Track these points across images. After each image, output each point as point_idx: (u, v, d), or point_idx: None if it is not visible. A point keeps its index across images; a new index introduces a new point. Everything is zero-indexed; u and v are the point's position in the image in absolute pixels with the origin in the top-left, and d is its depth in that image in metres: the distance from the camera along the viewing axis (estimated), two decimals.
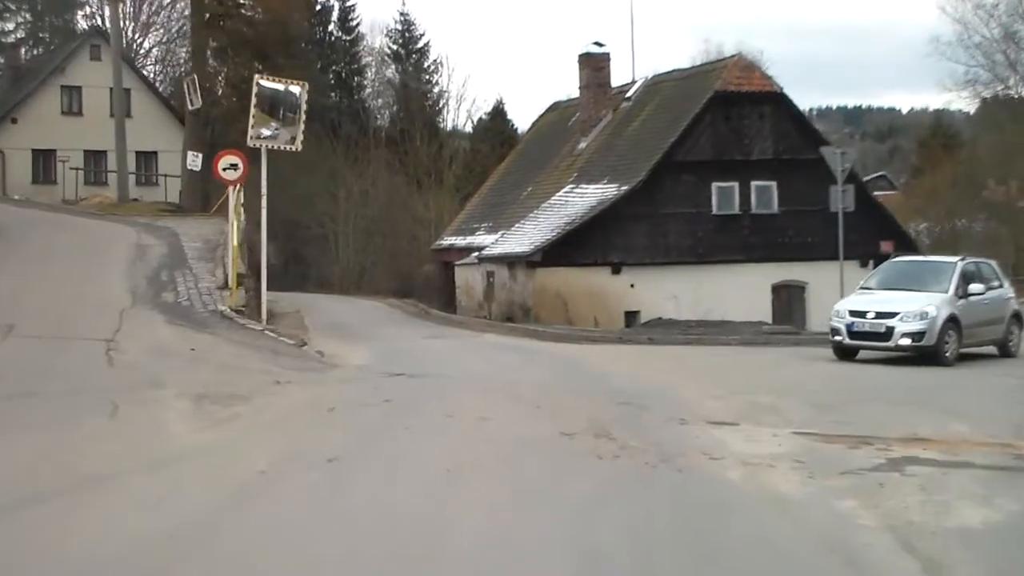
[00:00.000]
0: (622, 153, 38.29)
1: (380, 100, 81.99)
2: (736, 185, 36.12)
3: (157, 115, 58.14)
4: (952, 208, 56.52)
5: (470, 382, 18.01)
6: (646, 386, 18.04)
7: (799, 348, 27.51)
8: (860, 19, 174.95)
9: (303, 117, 23.42)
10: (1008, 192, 59.92)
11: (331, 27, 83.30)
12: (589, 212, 35.77)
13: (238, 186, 26.10)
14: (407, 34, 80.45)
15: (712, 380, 19.10)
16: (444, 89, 74.29)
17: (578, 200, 37.65)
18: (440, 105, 76.05)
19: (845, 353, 23.19)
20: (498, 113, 69.20)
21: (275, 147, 23.73)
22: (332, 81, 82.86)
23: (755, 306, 35.65)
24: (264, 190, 23.66)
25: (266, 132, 22.53)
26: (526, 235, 37.20)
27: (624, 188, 35.74)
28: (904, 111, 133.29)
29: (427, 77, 78.58)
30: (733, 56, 36.60)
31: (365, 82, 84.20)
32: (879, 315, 22.40)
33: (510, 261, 36.67)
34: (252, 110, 22.49)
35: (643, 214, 35.54)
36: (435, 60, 77.90)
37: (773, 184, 36.31)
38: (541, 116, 49.21)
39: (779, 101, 36.37)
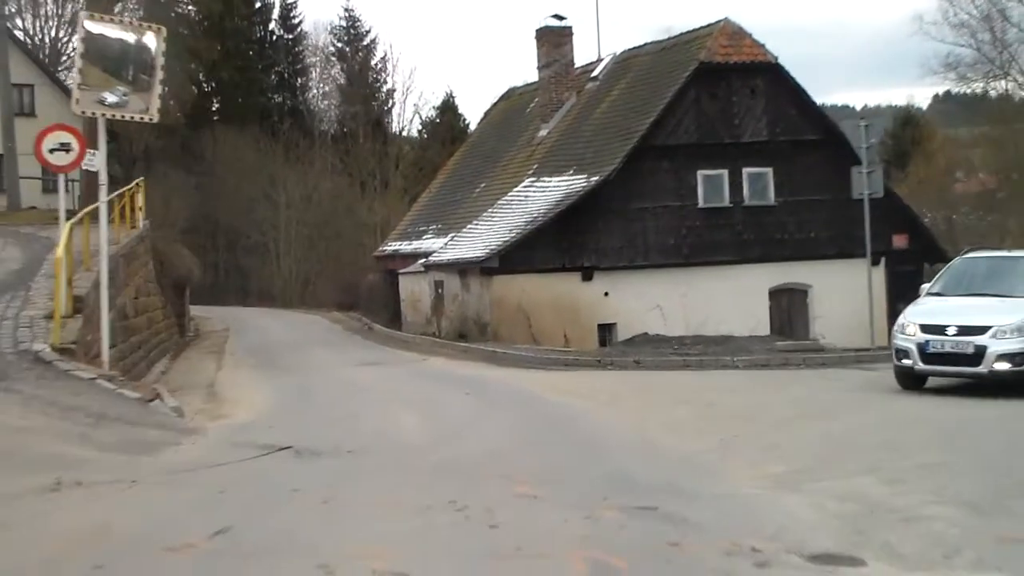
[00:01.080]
0: (590, 139, 31.63)
1: (326, 102, 74.88)
2: (725, 173, 29.54)
3: (68, 114, 50.18)
4: (939, 200, 50.55)
5: (387, 468, 10.98)
6: (661, 458, 11.30)
7: (827, 370, 20.99)
8: (809, 19, 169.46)
9: (160, 76, 16.39)
10: (983, 183, 54.93)
11: (272, 25, 76.19)
12: (553, 208, 29.09)
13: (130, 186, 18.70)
14: (352, 31, 73.43)
15: (755, 438, 12.38)
16: (392, 87, 67.28)
17: (539, 195, 30.98)
18: (389, 105, 69.06)
19: (914, 381, 16.57)
20: (448, 107, 62.27)
21: (121, 118, 16.61)
22: (275, 82, 75.83)
23: (751, 314, 29.09)
24: (104, 179, 16.47)
25: (110, 98, 15.41)
26: (479, 237, 30.49)
27: (594, 179, 29.08)
28: (858, 108, 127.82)
29: (374, 76, 71.65)
30: (719, 21, 29.90)
31: (310, 83, 77.18)
32: (963, 330, 15.74)
33: (461, 268, 29.94)
34: (79, 63, 15.33)
35: (617, 209, 28.93)
36: (383, 58, 70.98)
37: (769, 171, 29.76)
38: (494, 104, 42.45)
39: (774, 73, 29.79)
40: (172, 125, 74.71)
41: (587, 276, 28.76)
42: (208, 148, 64.99)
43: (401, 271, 35.18)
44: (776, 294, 29.91)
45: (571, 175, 30.63)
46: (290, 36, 76.33)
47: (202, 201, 65.59)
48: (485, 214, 32.23)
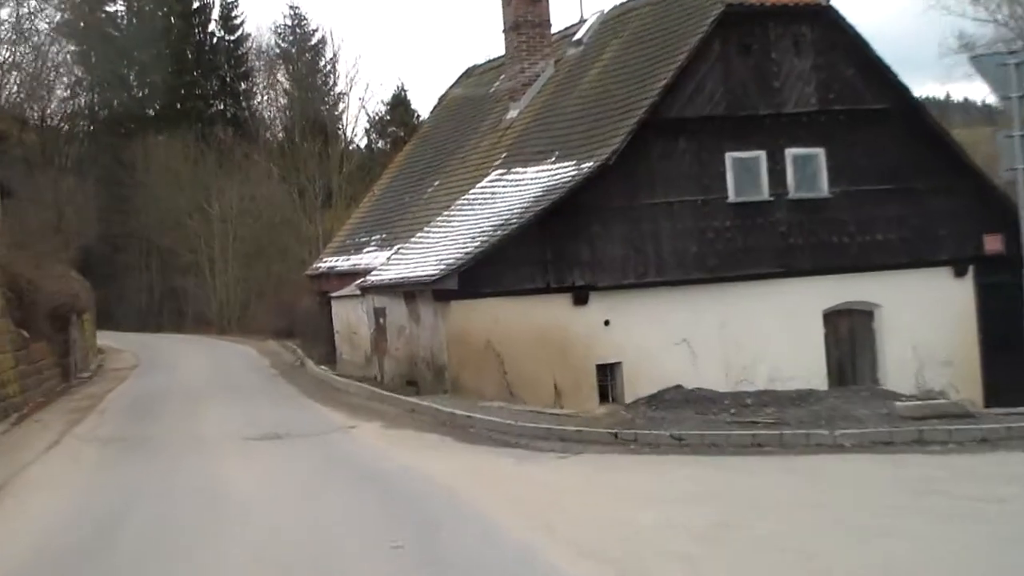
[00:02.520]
0: (576, 117, 22.63)
1: (272, 110, 65.54)
2: (762, 156, 20.65)
3: None
4: None
5: None
6: None
7: (1001, 455, 12.12)
8: None
9: None
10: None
11: (212, 27, 66.97)
12: (531, 207, 20.11)
13: None
14: (299, 30, 64.34)
15: None
16: (343, 92, 57.95)
17: (512, 191, 22.00)
18: (339, 110, 59.89)
19: None
20: (399, 102, 53.03)
21: None
22: (216, 87, 66.55)
23: (801, 347, 20.33)
24: None
25: None
26: (432, 249, 21.46)
27: (586, 166, 20.13)
28: None
29: (323, 78, 62.46)
30: None
31: (255, 88, 67.90)
32: None
33: (408, 291, 20.87)
34: None
35: (619, 206, 20.02)
36: (331, 59, 61.77)
37: (820, 152, 20.90)
38: (451, 87, 33.30)
39: (826, 18, 20.93)
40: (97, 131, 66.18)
41: (580, 299, 19.84)
42: (139, 158, 55.68)
43: (333, 294, 26.11)
44: (833, 318, 21.04)
45: (553, 163, 21.67)
46: (231, 38, 67.23)
47: (130, 216, 56.25)
48: (439, 219, 23.23)
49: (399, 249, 23.61)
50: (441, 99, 33.33)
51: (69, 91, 63.07)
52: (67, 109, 62.89)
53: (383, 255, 25.60)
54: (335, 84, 60.85)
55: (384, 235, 27.27)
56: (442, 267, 19.51)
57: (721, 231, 20.48)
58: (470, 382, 19.12)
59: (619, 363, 19.91)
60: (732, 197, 20.50)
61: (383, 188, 31.27)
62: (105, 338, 43.85)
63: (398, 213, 27.78)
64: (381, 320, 22.32)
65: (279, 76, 63.94)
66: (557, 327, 19.60)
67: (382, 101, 56.28)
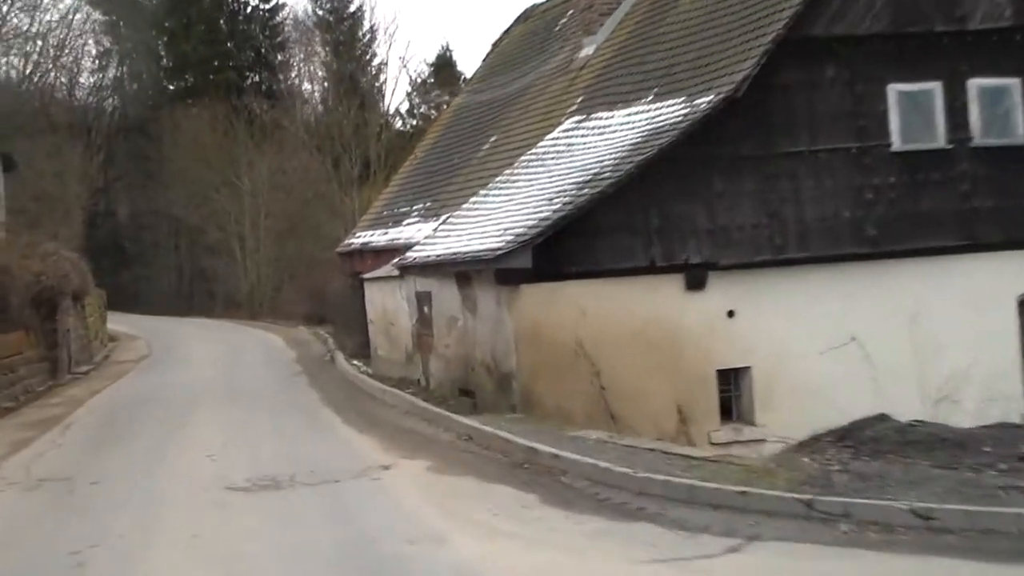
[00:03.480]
0: (679, 43, 16.68)
1: (310, 83, 59.95)
2: (938, 88, 14.80)
3: None
4: None
5: None
6: None
7: None
8: None
9: None
10: None
11: None
12: (627, 158, 14.43)
13: None
14: None
15: None
16: (384, 61, 52.02)
17: (595, 140, 16.23)
18: (381, 80, 53.98)
19: None
20: (444, 63, 47.09)
21: None
22: (250, 58, 61.04)
23: (985, 344, 14.49)
24: None
25: None
26: (491, 217, 15.78)
27: (702, 101, 14.40)
28: None
29: (362, 48, 56.76)
30: None
31: (291, 60, 62.33)
32: None
33: (462, 271, 15.20)
34: None
35: (748, 156, 14.27)
36: (371, 27, 56.03)
37: (1015, 84, 15.09)
38: (506, 32, 27.43)
39: None
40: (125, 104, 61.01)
41: (695, 281, 14.09)
42: (167, 131, 50.37)
43: (367, 276, 20.47)
44: None
45: (651, 102, 15.87)
46: (266, 6, 61.62)
47: (157, 193, 50.92)
48: (499, 179, 17.56)
49: (448, 218, 17.97)
50: (495, 46, 27.45)
51: (96, 62, 57.95)
52: (94, 81, 57.75)
53: (429, 226, 20.01)
54: (374, 55, 55.31)
55: (429, 203, 21.64)
56: (508, 239, 13.84)
57: (883, 190, 14.60)
58: (548, 397, 13.48)
59: (746, 368, 14.19)
60: (897, 144, 14.63)
61: (427, 150, 25.58)
62: (126, 324, 38.60)
63: (445, 177, 22.13)
64: (425, 309, 16.70)
65: (316, 47, 58.37)
66: (664, 320, 13.89)
67: (425, 61, 50.01)
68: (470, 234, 15.59)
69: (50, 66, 57.55)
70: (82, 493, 10.62)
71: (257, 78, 60.77)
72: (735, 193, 14.22)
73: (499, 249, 13.57)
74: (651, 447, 10.66)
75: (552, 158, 16.64)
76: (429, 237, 17.68)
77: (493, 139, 21.32)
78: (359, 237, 24.34)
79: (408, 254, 17.32)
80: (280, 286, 43.61)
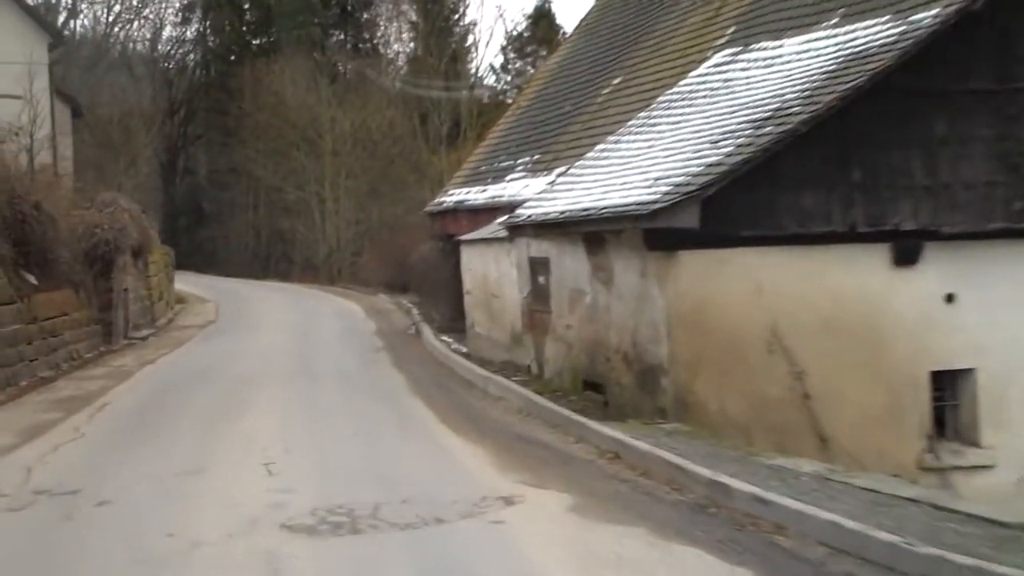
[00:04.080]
0: None
1: (397, 44, 56.60)
2: None
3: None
4: None
5: None
6: None
7: None
8: None
9: None
10: None
11: None
12: (818, 91, 10.82)
13: None
14: None
15: None
16: (474, 21, 48.30)
17: (762, 75, 12.54)
18: (472, 41, 50.46)
19: None
20: (542, 15, 43.28)
21: None
22: (335, 15, 57.87)
23: None
24: None
25: None
26: (631, 166, 12.29)
27: (924, 18, 10.72)
28: None
29: (452, 4, 53.24)
30: None
31: (378, 19, 59.02)
32: None
33: (592, 231, 11.72)
34: None
35: (980, 92, 10.61)
36: None
37: None
38: None
39: None
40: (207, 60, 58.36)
41: (906, 254, 10.46)
42: (247, 86, 47.48)
43: (464, 238, 17.02)
44: None
45: (836, 26, 12.19)
46: None
47: (236, 150, 48.10)
48: (633, 124, 14.02)
49: (568, 170, 14.49)
50: None
51: (180, 15, 55.42)
52: (177, 35, 55.19)
53: (538, 182, 16.63)
54: (464, 12, 51.78)
55: (537, 156, 18.20)
56: (663, 190, 10.31)
57: None
58: (712, 400, 9.98)
59: (969, 371, 10.55)
60: None
61: (530, 99, 22.07)
62: (198, 285, 35.86)
63: (557, 126, 18.65)
64: (541, 279, 13.27)
65: (403, 3, 54.99)
66: (864, 304, 10.30)
67: (523, 13, 46.13)
68: (604, 186, 12.09)
69: (132, 17, 55.40)
70: (82, 521, 7.40)
71: (342, 36, 57.74)
72: (963, 139, 10.55)
73: (653, 203, 10.06)
74: (902, 493, 7.11)
75: (704, 96, 13.05)
76: (544, 192, 14.24)
77: (616, 81, 17.76)
78: (452, 195, 20.98)
79: (520, 211, 13.88)
80: (360, 250, 40.54)
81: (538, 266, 13.24)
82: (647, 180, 11.10)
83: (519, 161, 18.88)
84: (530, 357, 13.67)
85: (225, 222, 50.11)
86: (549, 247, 12.86)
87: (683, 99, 13.58)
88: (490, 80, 36.87)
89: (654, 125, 13.36)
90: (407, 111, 37.55)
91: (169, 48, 56.63)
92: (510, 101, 37.06)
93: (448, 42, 46.89)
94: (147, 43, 57.12)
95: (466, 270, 16.60)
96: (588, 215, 11.46)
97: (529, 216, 13.24)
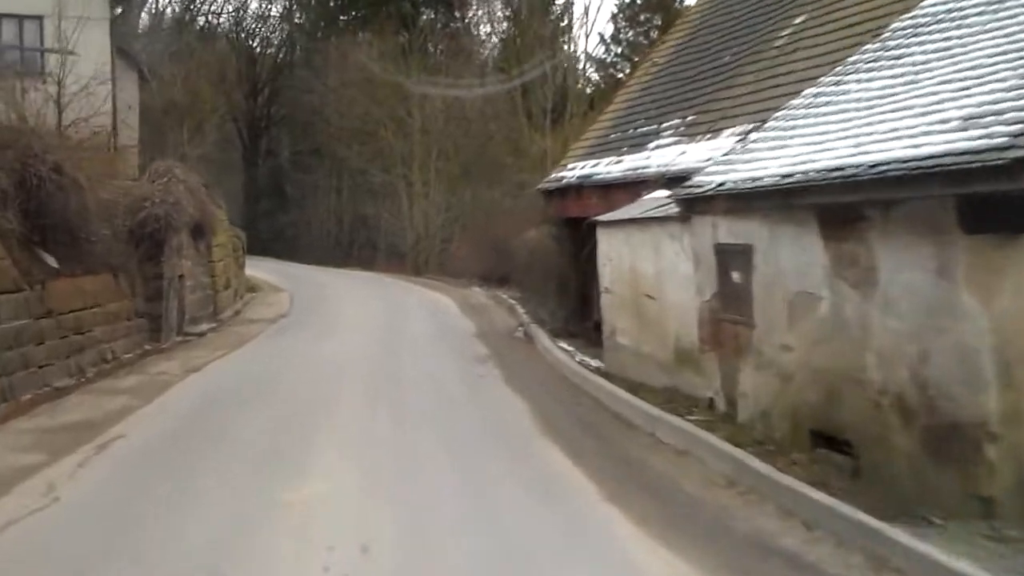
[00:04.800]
0: None
1: (489, 26, 52.40)
2: None
3: None
4: None
5: None
6: None
7: None
8: None
9: None
10: None
11: None
12: None
13: None
14: None
15: None
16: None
17: None
18: (566, 21, 46.06)
19: None
20: None
21: None
22: None
23: None
24: None
25: None
26: (883, 108, 7.98)
27: None
28: None
29: None
30: None
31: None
32: None
33: (836, 205, 7.41)
34: None
35: None
36: None
37: None
38: None
39: None
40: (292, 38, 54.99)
41: None
42: (333, 62, 43.76)
43: (603, 219, 12.68)
44: None
45: None
46: None
47: (319, 130, 44.42)
48: (855, 62, 9.66)
49: (764, 125, 10.16)
50: None
51: None
52: (262, 10, 51.86)
53: (697, 147, 12.39)
54: None
55: (692, 116, 13.89)
56: (1005, 130, 5.99)
57: None
58: None
59: None
60: None
61: (668, 56, 17.70)
62: (274, 272, 32.23)
63: (716, 80, 14.31)
64: (736, 275, 8.95)
65: None
66: None
67: None
68: (845, 136, 7.77)
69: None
70: None
71: (433, 14, 53.80)
72: None
73: (998, 149, 5.75)
74: None
75: (979, 14, 8.64)
76: (732, 154, 9.95)
77: (799, 20, 13.36)
78: (572, 169, 16.73)
79: (699, 180, 9.61)
80: (449, 238, 36.53)
81: (731, 257, 8.95)
82: (941, 121, 6.78)
83: (665, 125, 14.57)
84: (712, 387, 9.40)
85: (307, 206, 46.54)
86: (753, 229, 8.57)
87: (935, 21, 9.18)
88: (599, 51, 32.31)
89: (899, 57, 8.98)
90: (505, 80, 33.26)
91: (254, 24, 53.34)
92: (621, 75, 32.79)
93: (546, 20, 42.61)
94: (231, 19, 53.90)
95: (604, 261, 12.36)
96: (843, 177, 7.13)
97: (720, 185, 8.96)
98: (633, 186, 13.54)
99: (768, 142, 9.26)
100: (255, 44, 53.29)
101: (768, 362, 8.41)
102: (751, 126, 11.36)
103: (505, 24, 47.75)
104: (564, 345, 15.02)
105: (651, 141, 14.47)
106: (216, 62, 36.74)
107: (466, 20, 53.00)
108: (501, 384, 12.02)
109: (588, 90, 30.82)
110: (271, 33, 54.42)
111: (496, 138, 34.32)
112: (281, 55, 53.30)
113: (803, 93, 10.03)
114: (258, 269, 31.86)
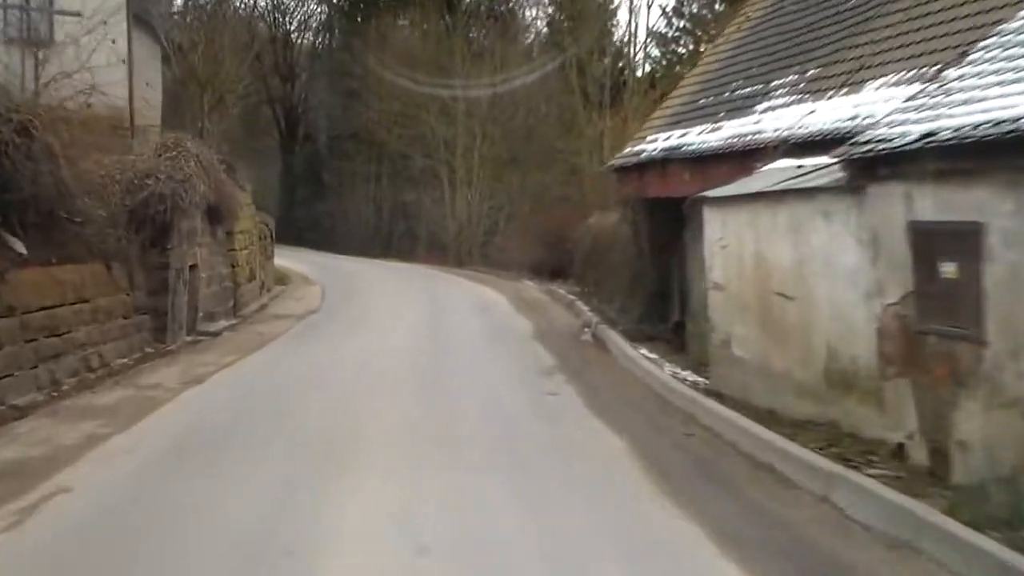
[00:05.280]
0: None
1: (532, 11, 49.30)
2: None
3: None
4: None
5: None
6: None
7: None
8: None
9: None
10: None
11: None
12: None
13: None
14: None
15: None
16: None
17: None
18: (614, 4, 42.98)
19: None
20: None
21: None
22: None
23: None
24: None
25: None
26: None
27: None
28: None
29: None
30: None
31: None
32: None
33: None
34: None
35: None
36: None
37: None
38: None
39: None
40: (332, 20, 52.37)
41: None
42: (372, 42, 40.94)
43: (713, 194, 9.76)
44: None
45: None
46: None
47: (358, 114, 41.66)
48: None
49: (974, 58, 7.21)
50: None
51: None
52: None
53: (826, 106, 9.48)
54: None
55: (814, 70, 10.94)
56: None
57: None
58: None
59: None
60: None
61: (765, 9, 14.73)
62: (308, 263, 29.60)
63: (839, 27, 11.36)
64: (946, 269, 6.05)
65: None
66: None
67: None
68: None
69: None
70: None
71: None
72: None
73: None
74: None
75: None
76: (921, 97, 7.00)
77: None
78: (653, 141, 13.81)
79: (881, 133, 6.69)
80: (494, 228, 33.67)
81: (942, 241, 6.04)
82: None
83: (776, 83, 11.64)
84: (901, 427, 6.49)
85: (345, 194, 43.79)
86: (984, 200, 5.66)
87: None
88: (660, 25, 29.14)
89: None
90: (556, 55, 30.19)
91: (292, 4, 50.72)
92: (684, 50, 29.77)
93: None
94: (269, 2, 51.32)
95: (714, 249, 9.45)
96: None
97: (928, 136, 6.04)
98: (739, 157, 10.66)
99: (988, 76, 6.33)
100: (292, 26, 50.79)
101: (1014, 399, 5.50)
102: (912, 72, 8.47)
103: (551, 8, 44.78)
104: (645, 351, 12.18)
105: (758, 103, 11.54)
106: (246, 34, 34.04)
107: (510, 3, 50.13)
108: (581, 408, 9.16)
109: (647, 67, 27.73)
110: (309, 18, 51.92)
111: (547, 119, 31.33)
112: (319, 40, 50.76)
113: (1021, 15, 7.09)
114: (291, 260, 29.25)
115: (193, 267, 15.36)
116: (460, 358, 12.52)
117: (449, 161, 34.99)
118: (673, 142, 12.91)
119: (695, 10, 30.09)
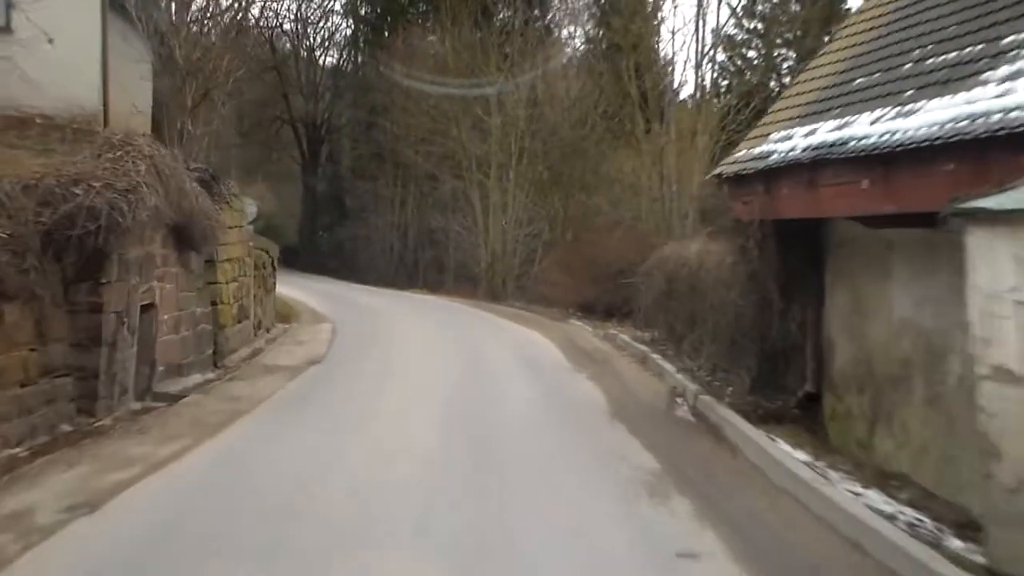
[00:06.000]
0: None
1: (570, 27, 45.14)
2: None
3: None
4: None
5: None
6: None
7: None
8: None
9: None
10: None
11: None
12: None
13: None
14: None
15: None
16: None
17: None
18: (658, 19, 38.77)
19: None
20: None
21: None
22: None
23: None
24: None
25: None
26: None
27: None
28: None
29: None
30: None
31: None
32: None
33: None
34: None
35: None
36: None
37: None
38: None
39: None
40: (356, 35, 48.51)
41: None
42: (399, 56, 36.92)
43: (1013, 207, 5.50)
44: None
45: None
46: None
47: (382, 132, 37.53)
48: None
49: None
50: None
51: None
52: (326, 4, 45.71)
53: None
54: None
55: None
56: None
57: None
58: None
59: None
60: None
61: None
62: (323, 295, 25.54)
63: None
64: None
65: None
66: None
67: None
68: None
69: None
70: None
71: (509, 12, 46.81)
72: None
73: None
74: None
75: None
76: None
77: None
78: (787, 140, 9.48)
79: None
80: (532, 256, 29.36)
81: None
82: None
83: (1009, 40, 7.34)
84: None
85: (368, 219, 39.70)
86: None
87: None
88: (729, 26, 24.88)
89: None
90: (609, 65, 25.89)
91: (318, 16, 47.09)
92: (754, 52, 25.48)
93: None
94: (291, 13, 47.75)
95: (995, 306, 5.07)
96: None
97: None
98: (976, 149, 6.35)
99: None
100: (315, 42, 47.05)
101: None
102: None
103: (588, 25, 40.54)
104: (787, 447, 7.86)
105: (986, 69, 7.21)
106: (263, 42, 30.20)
107: (547, 17, 46.12)
108: None
109: (712, 73, 23.39)
110: (333, 33, 48.20)
111: (598, 128, 26.99)
112: (344, 57, 46.98)
113: None
114: (305, 291, 25.20)
115: (148, 307, 11.15)
116: (509, 463, 8.10)
117: (482, 182, 30.79)
118: (825, 136, 8.57)
119: (767, 11, 25.69)
